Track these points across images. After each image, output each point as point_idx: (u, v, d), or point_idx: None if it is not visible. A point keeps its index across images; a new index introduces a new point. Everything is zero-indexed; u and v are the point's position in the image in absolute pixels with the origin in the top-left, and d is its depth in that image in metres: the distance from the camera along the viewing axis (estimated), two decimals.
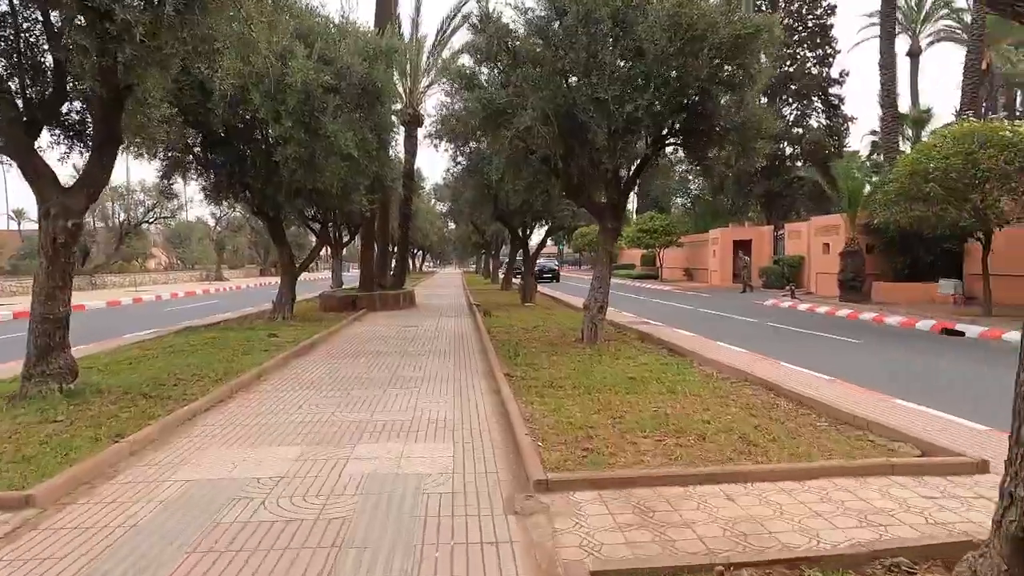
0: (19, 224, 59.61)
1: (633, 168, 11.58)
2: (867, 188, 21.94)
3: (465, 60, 15.35)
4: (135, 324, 16.38)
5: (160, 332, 13.63)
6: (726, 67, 9.89)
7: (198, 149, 13.48)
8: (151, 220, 34.14)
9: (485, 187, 18.14)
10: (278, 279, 43.45)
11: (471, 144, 18.67)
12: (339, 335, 13.24)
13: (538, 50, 10.20)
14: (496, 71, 11.24)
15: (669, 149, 12.03)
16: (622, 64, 9.79)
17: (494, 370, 8.72)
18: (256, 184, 13.65)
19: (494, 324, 14.71)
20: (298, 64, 11.98)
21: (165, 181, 14.76)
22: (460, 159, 19.03)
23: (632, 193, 20.27)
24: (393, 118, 19.36)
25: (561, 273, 55.38)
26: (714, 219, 45.04)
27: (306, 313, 17.96)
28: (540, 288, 39.86)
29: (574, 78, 10.16)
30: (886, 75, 24.09)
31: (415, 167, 23.43)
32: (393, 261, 23.62)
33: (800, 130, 34.36)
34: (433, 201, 42.58)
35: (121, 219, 33.41)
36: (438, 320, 16.57)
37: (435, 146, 19.68)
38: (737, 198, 39.13)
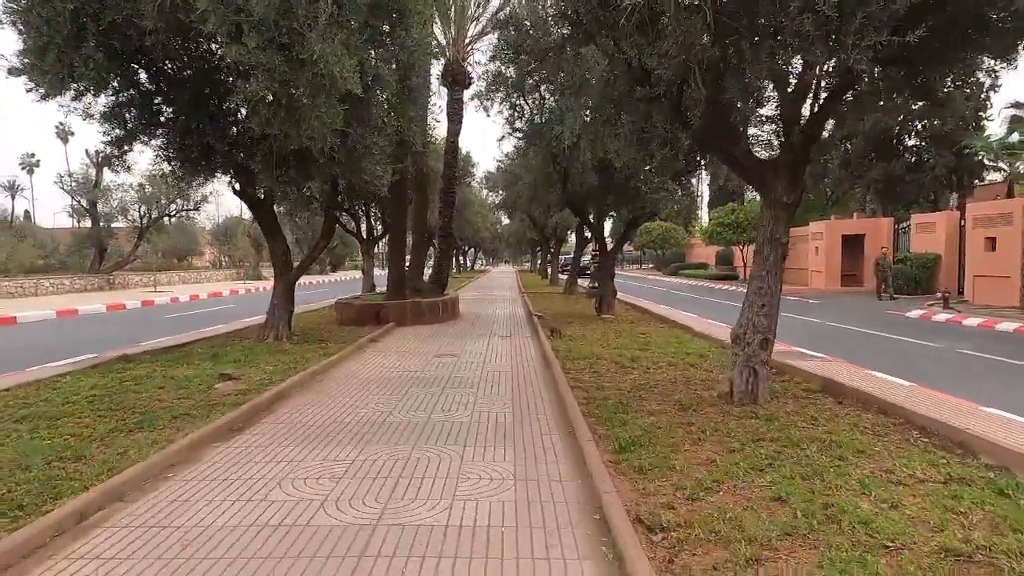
0: (78, 221, 58.08)
1: (825, 96, 6.58)
2: None
3: None
4: (100, 339, 12.29)
5: (99, 357, 9.44)
6: None
7: (131, 90, 9.12)
8: (172, 214, 30.65)
9: (552, 159, 13.39)
10: (320, 278, 39.13)
11: (533, 98, 14.04)
12: (332, 376, 8.65)
13: None
14: None
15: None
16: None
17: (601, 498, 3.97)
18: (221, 146, 9.24)
19: (570, 352, 9.94)
20: None
21: (114, 149, 10.50)
22: (518, 124, 14.31)
23: (701, 182, 15.16)
24: (433, 75, 14.85)
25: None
26: (806, 210, 39.03)
27: (314, 328, 13.58)
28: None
29: None
30: None
31: (460, 147, 18.85)
32: (431, 259, 19.20)
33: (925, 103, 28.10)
34: (485, 192, 38.00)
35: (142, 213, 29.99)
36: (487, 343, 11.89)
37: (485, 109, 15.09)
38: (840, 185, 33.11)
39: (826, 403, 6.70)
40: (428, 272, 19.34)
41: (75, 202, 28.88)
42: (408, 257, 16.76)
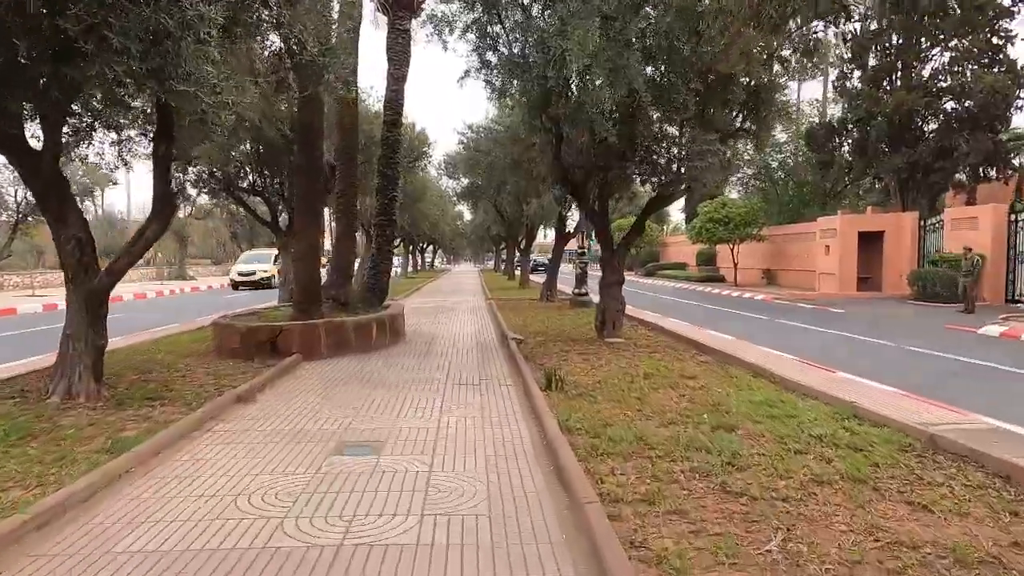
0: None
1: None
2: None
3: None
4: None
5: None
6: None
7: None
8: None
9: (542, 105, 8.68)
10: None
11: (514, 20, 9.38)
12: (47, 557, 3.73)
13: None
14: None
15: None
16: None
17: None
18: None
19: (595, 437, 5.19)
20: None
21: None
22: (491, 57, 9.54)
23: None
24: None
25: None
26: (804, 206, 35.21)
27: (169, 364, 8.61)
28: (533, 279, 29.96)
29: None
30: None
31: (412, 123, 13.89)
32: (359, 258, 14.25)
33: (953, 80, 24.27)
34: (443, 180, 33.03)
35: (19, 199, 24.10)
36: (440, 404, 7.03)
37: (443, 41, 10.28)
38: (847, 174, 29.33)
39: None
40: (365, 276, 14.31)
41: None
42: (327, 255, 11.87)
